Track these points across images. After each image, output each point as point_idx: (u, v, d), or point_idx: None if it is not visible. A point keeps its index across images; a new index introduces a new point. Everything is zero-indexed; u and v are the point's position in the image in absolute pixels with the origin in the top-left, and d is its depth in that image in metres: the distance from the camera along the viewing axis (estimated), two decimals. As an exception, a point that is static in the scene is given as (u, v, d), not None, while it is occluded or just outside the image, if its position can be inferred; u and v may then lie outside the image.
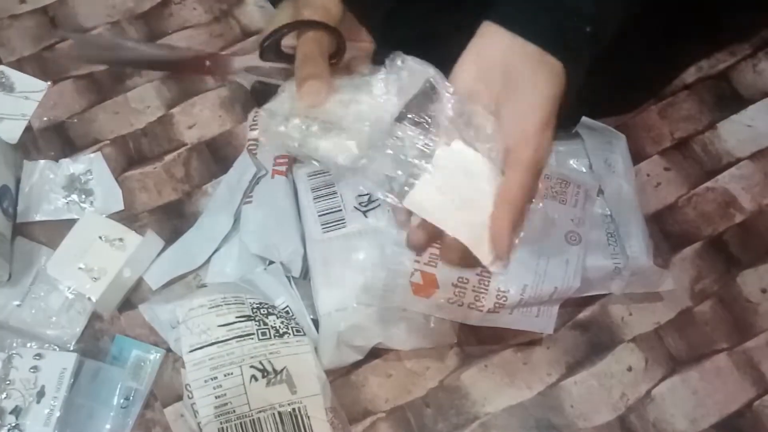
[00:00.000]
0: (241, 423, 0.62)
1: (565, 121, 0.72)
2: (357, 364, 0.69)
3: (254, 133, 0.75)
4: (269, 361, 0.65)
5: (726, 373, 0.70)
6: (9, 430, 0.64)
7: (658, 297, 0.72)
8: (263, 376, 0.64)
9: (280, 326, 0.67)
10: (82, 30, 0.85)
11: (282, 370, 0.65)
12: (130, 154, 0.79)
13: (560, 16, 0.46)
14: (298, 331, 0.67)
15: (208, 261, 0.73)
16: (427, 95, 0.46)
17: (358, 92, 0.48)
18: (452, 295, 0.63)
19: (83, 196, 0.76)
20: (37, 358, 0.67)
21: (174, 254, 0.74)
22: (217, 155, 0.78)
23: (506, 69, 0.46)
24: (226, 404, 0.63)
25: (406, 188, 0.46)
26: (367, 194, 0.69)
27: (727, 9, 0.72)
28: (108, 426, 0.67)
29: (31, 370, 0.66)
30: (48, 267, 0.72)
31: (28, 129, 0.80)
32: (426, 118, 0.46)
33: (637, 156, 0.77)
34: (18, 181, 0.76)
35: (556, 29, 0.46)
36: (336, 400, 0.67)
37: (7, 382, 0.66)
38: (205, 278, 0.73)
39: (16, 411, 0.65)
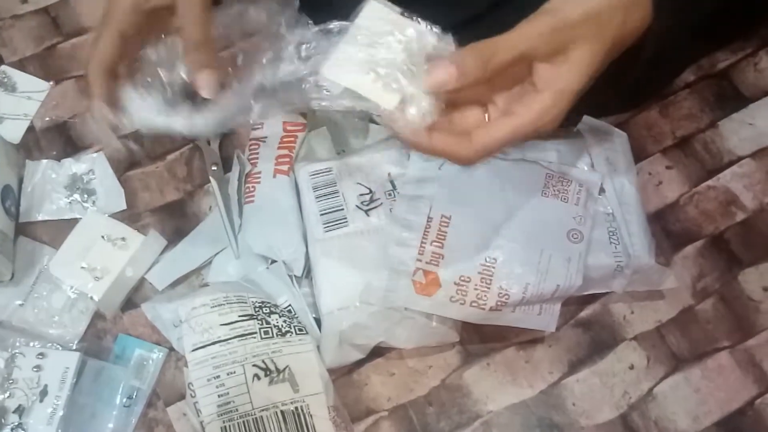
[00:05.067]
0: (243, 422, 0.62)
1: (567, 119, 0.73)
2: (359, 363, 0.69)
3: (256, 132, 0.75)
4: (272, 360, 0.65)
5: (728, 371, 0.70)
6: (12, 429, 0.64)
7: (659, 295, 0.72)
8: (266, 375, 0.64)
9: (282, 325, 0.67)
10: (83, 30, 0.85)
11: (284, 368, 0.65)
12: (132, 153, 0.79)
13: None
14: (300, 330, 0.67)
15: (210, 260, 0.74)
16: None
17: None
18: (454, 293, 0.63)
19: (85, 196, 0.77)
20: (40, 357, 0.67)
21: (178, 254, 0.74)
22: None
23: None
24: (228, 403, 0.63)
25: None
26: (369, 193, 0.69)
27: (730, 7, 0.72)
28: (111, 425, 0.67)
29: (34, 370, 0.67)
30: (50, 266, 0.72)
31: (31, 129, 0.80)
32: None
33: (639, 154, 0.77)
34: (20, 181, 0.77)
35: None
36: (338, 399, 0.67)
37: (10, 381, 0.66)
38: (208, 277, 0.73)
39: (20, 410, 0.65)
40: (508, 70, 0.48)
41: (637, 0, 0.48)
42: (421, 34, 0.48)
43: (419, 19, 0.48)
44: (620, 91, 0.62)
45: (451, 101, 0.48)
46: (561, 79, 0.47)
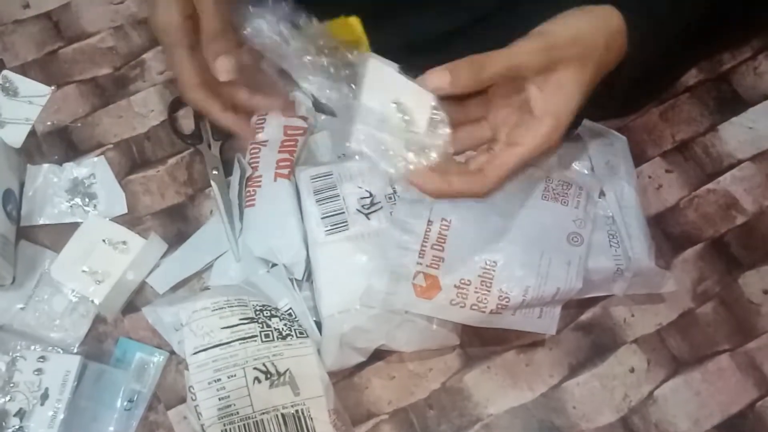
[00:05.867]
0: (244, 425, 0.62)
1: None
2: (360, 366, 0.69)
3: (257, 136, 0.75)
4: (272, 363, 0.65)
5: (728, 374, 0.70)
6: (13, 432, 0.64)
7: (660, 298, 0.72)
8: (266, 378, 0.64)
9: (283, 328, 0.67)
10: (85, 35, 0.85)
11: (285, 371, 0.65)
12: (134, 158, 0.79)
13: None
14: (301, 333, 0.67)
15: (211, 264, 0.74)
16: None
17: None
18: (455, 296, 0.63)
19: (87, 200, 0.77)
20: (41, 360, 0.67)
21: (179, 258, 0.74)
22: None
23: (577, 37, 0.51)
24: (229, 406, 0.63)
25: None
26: (370, 197, 0.69)
27: (730, 11, 0.72)
28: (111, 428, 0.67)
29: (35, 373, 0.67)
30: (52, 270, 0.72)
31: (32, 133, 0.80)
32: None
33: (639, 158, 0.77)
34: (22, 185, 0.77)
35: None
36: (339, 402, 0.67)
37: (11, 385, 0.66)
38: (209, 281, 0.73)
39: (20, 413, 0.65)
40: (501, 88, 0.53)
41: (618, 28, 0.52)
42: (418, 96, 0.52)
43: (412, 75, 0.52)
44: (616, 98, 0.64)
45: (456, 121, 0.53)
46: (556, 104, 0.51)
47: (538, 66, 0.50)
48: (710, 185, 0.78)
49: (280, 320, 0.67)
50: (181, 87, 0.60)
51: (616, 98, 0.60)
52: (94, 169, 0.78)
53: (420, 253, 0.64)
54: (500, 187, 0.53)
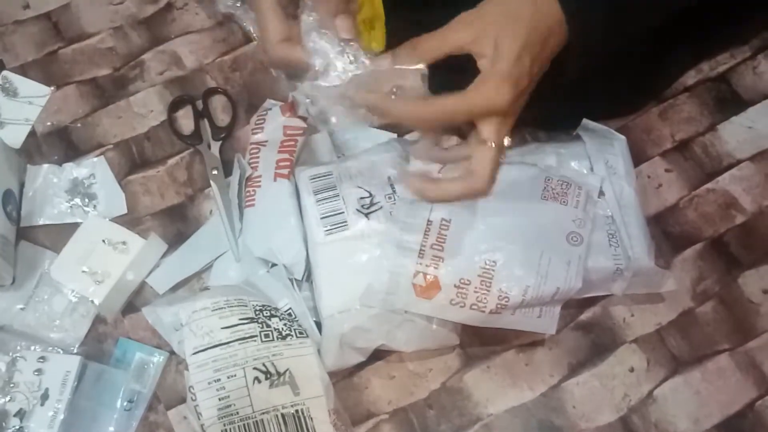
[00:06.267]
0: (244, 425, 0.62)
1: (566, 123, 0.73)
2: (360, 366, 0.70)
3: (257, 136, 0.75)
4: (272, 363, 0.65)
5: (728, 373, 0.70)
6: (13, 432, 0.64)
7: (659, 298, 0.72)
8: (266, 378, 0.64)
9: (282, 328, 0.67)
10: (85, 35, 0.85)
11: (285, 371, 0.65)
12: (133, 158, 0.80)
13: None
14: (300, 333, 0.67)
15: (211, 264, 0.74)
16: None
17: None
18: (454, 296, 0.63)
19: (86, 200, 0.77)
20: (41, 361, 0.67)
21: (179, 258, 0.74)
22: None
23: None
24: (229, 406, 0.63)
25: None
26: (370, 197, 0.69)
27: (728, 11, 0.72)
28: (111, 428, 0.67)
29: (35, 373, 0.67)
30: (51, 270, 0.72)
31: (32, 134, 0.81)
32: None
33: (638, 158, 0.77)
34: (22, 186, 0.77)
35: None
36: (339, 402, 0.67)
37: (12, 385, 0.66)
38: (208, 281, 0.73)
39: (21, 414, 0.65)
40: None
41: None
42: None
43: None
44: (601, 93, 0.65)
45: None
46: (491, 66, 0.52)
47: (469, 34, 0.53)
48: (710, 185, 0.78)
49: (280, 320, 0.67)
50: (265, 41, 0.58)
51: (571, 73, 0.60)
52: (94, 169, 0.78)
53: (420, 253, 0.64)
54: (493, 180, 0.54)
